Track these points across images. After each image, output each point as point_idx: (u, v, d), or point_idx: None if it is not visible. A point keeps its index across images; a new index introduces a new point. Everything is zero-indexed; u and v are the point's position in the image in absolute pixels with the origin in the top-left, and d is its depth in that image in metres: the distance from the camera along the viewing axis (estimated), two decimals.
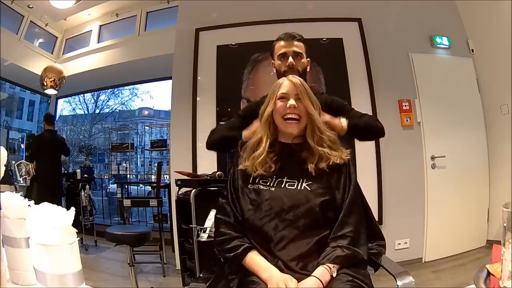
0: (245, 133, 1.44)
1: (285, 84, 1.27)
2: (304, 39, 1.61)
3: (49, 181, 4.06)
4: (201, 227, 1.71)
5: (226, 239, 1.16)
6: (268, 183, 1.19)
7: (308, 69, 1.62)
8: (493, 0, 3.25)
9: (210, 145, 1.62)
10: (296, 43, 1.57)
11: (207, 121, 3.17)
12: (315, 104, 1.25)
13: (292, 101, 1.22)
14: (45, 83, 4.56)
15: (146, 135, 7.29)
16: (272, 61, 1.65)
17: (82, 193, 4.32)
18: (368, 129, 1.51)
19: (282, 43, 1.59)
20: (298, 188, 1.16)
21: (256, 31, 3.18)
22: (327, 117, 1.38)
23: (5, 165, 0.90)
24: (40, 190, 3.92)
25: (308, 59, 1.61)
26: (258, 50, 3.17)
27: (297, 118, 1.22)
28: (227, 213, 1.21)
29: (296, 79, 1.27)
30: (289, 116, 1.22)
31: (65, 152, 4.68)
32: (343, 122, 1.42)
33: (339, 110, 1.56)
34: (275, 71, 1.63)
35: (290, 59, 1.54)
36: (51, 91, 4.72)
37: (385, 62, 3.26)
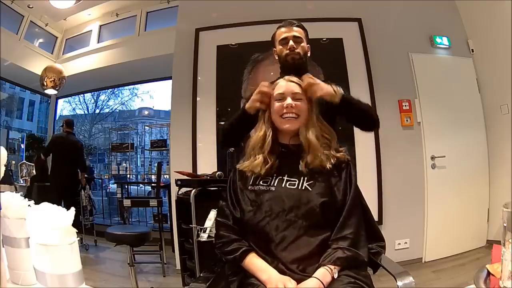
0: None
1: (282, 84, 1.28)
2: (304, 26, 1.67)
3: (60, 179, 4.14)
4: (201, 227, 1.71)
5: (225, 242, 1.17)
6: (268, 183, 1.19)
7: (308, 54, 1.67)
8: (493, 0, 3.25)
9: (223, 142, 1.67)
10: (295, 28, 1.63)
11: (207, 121, 3.17)
12: (313, 100, 1.26)
13: (289, 100, 1.23)
14: (45, 83, 4.56)
15: (146, 135, 7.30)
16: (274, 48, 1.69)
17: (82, 193, 4.32)
18: (361, 110, 1.50)
19: (282, 29, 1.65)
20: (299, 187, 1.16)
21: (256, 31, 3.17)
22: (316, 80, 1.33)
23: (5, 165, 0.90)
24: (49, 188, 4.04)
25: (309, 45, 1.67)
26: (258, 50, 3.17)
27: (295, 117, 1.23)
28: (226, 215, 1.21)
29: (293, 79, 1.28)
30: (286, 115, 1.23)
31: (79, 160, 4.49)
32: (339, 89, 1.38)
33: None
34: (277, 57, 1.68)
35: (291, 42, 1.60)
36: (51, 91, 4.72)
37: (385, 62, 3.26)
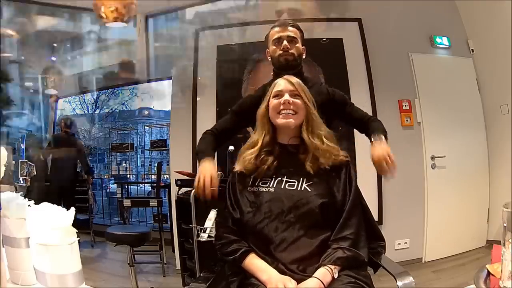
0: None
1: (280, 83, 1.27)
2: (299, 27, 1.59)
3: (60, 179, 4.11)
4: (201, 227, 1.71)
5: (225, 243, 1.17)
6: (267, 184, 1.19)
7: (303, 57, 1.60)
8: (493, 0, 3.25)
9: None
10: (290, 28, 1.56)
11: (207, 121, 3.16)
12: (311, 101, 1.26)
13: (286, 97, 1.22)
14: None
15: (146, 135, 7.29)
16: (267, 49, 1.62)
17: (89, 192, 4.33)
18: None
19: (276, 29, 1.58)
20: (298, 188, 1.16)
21: (256, 31, 3.18)
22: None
23: (5, 165, 0.90)
24: (49, 188, 3.96)
25: (304, 47, 1.60)
26: (258, 50, 3.16)
27: (292, 113, 1.22)
28: (226, 216, 1.21)
29: (292, 78, 1.28)
30: (284, 112, 1.22)
31: (83, 163, 4.42)
32: (382, 137, 1.48)
33: (342, 101, 1.58)
34: (269, 59, 1.61)
35: (285, 42, 1.53)
36: (51, 91, 4.72)
37: (385, 62, 3.26)
